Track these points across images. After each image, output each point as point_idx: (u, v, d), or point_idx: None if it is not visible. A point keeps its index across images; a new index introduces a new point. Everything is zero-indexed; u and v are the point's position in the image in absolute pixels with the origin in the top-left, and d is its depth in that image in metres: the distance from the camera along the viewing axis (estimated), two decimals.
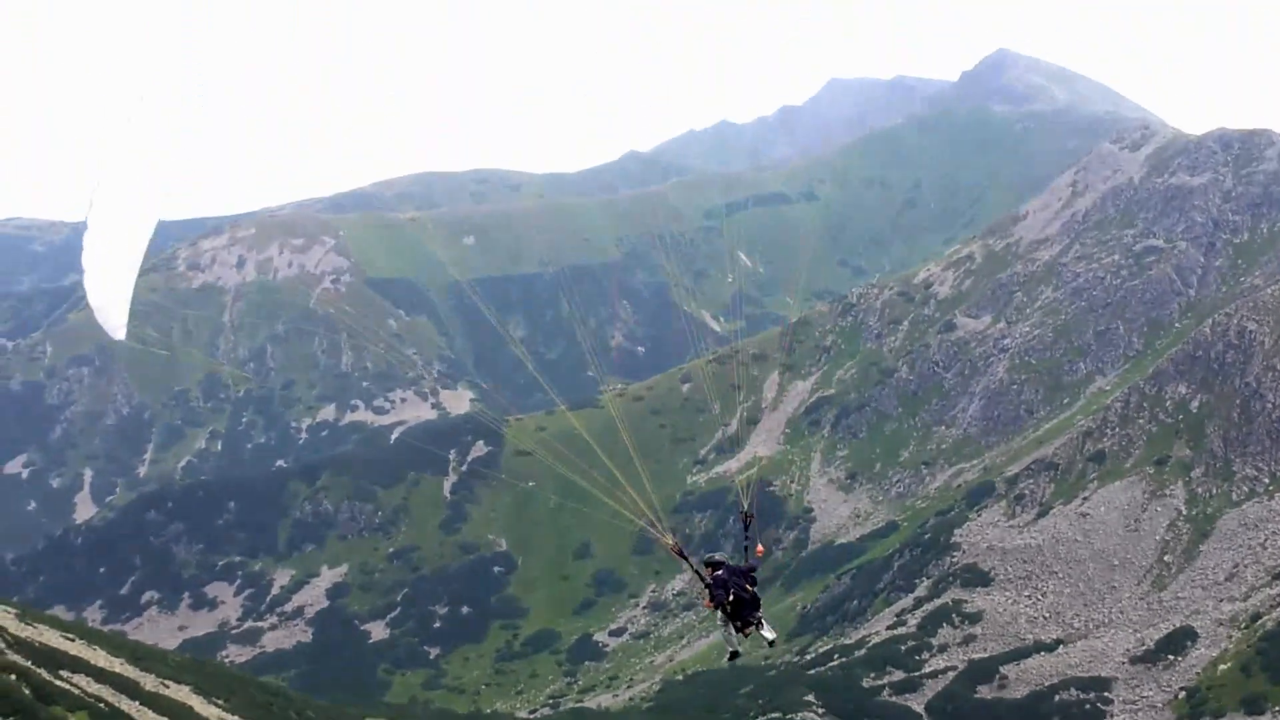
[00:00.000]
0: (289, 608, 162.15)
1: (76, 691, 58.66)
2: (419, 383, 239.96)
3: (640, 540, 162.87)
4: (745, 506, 29.80)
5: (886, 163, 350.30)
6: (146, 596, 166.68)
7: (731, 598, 26.88)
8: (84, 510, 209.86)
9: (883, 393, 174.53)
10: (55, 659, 63.93)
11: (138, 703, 62.60)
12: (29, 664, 59.31)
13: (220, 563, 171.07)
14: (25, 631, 69.28)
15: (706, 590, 27.12)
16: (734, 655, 28.43)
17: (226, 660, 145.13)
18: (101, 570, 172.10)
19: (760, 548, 28.75)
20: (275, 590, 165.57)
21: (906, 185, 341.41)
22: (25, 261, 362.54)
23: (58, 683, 58.43)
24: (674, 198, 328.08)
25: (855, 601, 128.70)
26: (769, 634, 27.14)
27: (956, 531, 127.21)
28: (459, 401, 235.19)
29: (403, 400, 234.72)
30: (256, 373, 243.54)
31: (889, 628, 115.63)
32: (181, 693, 72.75)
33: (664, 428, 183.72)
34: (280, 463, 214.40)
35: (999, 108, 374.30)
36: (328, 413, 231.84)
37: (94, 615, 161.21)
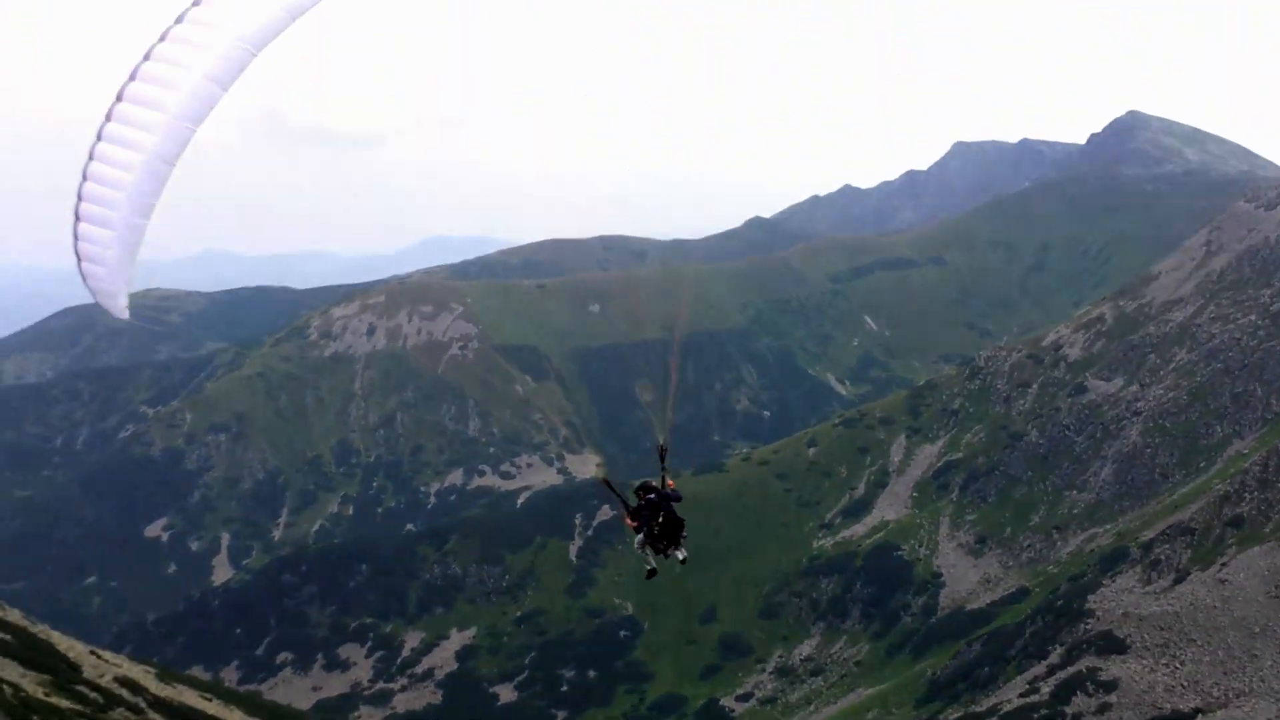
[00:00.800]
0: (419, 670, 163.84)
1: None
2: (545, 447, 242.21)
3: (767, 604, 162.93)
4: (661, 440, 30.46)
5: (1013, 226, 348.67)
6: (281, 657, 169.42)
7: (661, 519, 28.50)
8: (221, 573, 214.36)
9: (1012, 456, 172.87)
10: (193, 718, 65.69)
11: None
12: None
13: (352, 625, 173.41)
14: (165, 691, 71.33)
15: (636, 510, 28.71)
16: (652, 573, 30.12)
17: None
18: (238, 631, 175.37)
19: (672, 482, 29.54)
20: (406, 652, 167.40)
21: (1034, 248, 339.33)
22: (164, 331, 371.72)
23: None
24: (798, 263, 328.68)
25: (986, 669, 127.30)
26: (681, 554, 28.99)
27: (1090, 597, 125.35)
28: (584, 466, 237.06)
29: (529, 465, 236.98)
30: (386, 439, 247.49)
31: (1021, 695, 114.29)
32: None
33: (790, 491, 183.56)
34: (409, 526, 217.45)
35: (1129, 170, 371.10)
36: (455, 477, 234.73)
37: (231, 675, 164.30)
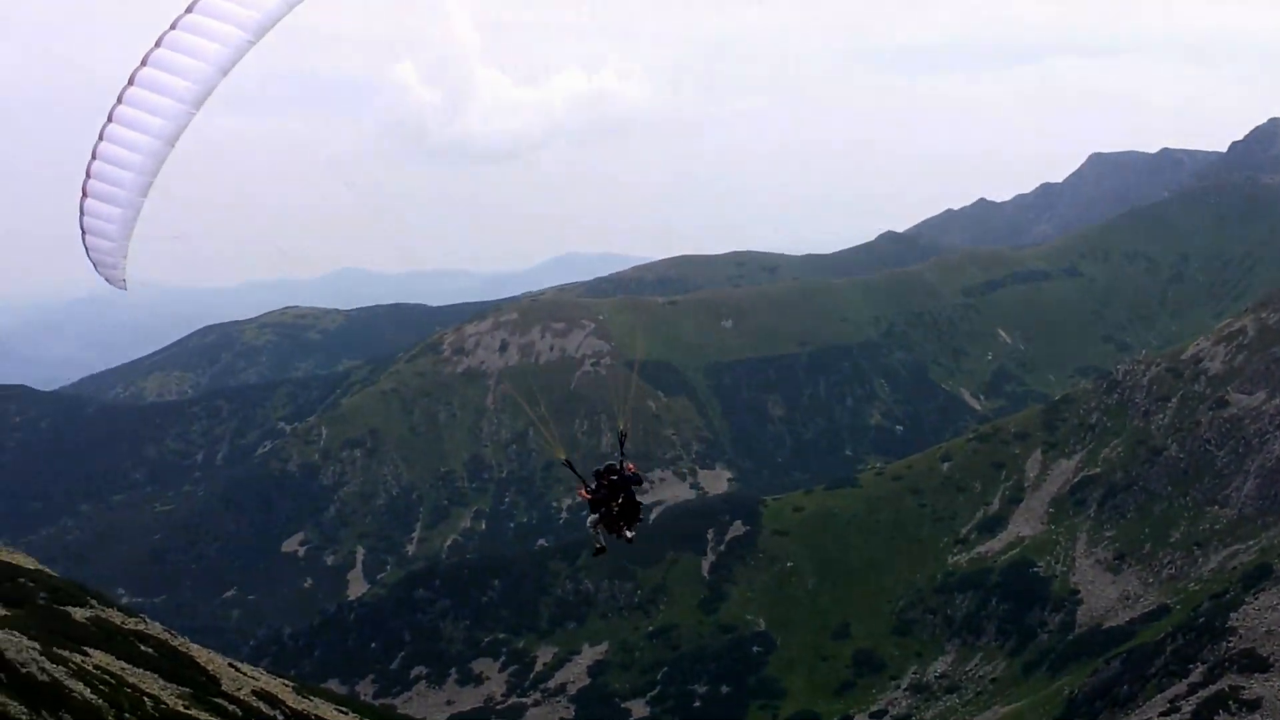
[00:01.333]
0: (551, 685, 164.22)
1: None
2: (677, 463, 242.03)
3: (901, 620, 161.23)
4: (622, 426, 31.23)
5: (1151, 237, 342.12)
6: (415, 672, 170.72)
7: (620, 501, 28.42)
8: (356, 587, 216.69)
9: (1151, 471, 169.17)
10: None
11: None
12: None
13: (485, 639, 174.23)
14: (302, 704, 71.87)
15: (597, 490, 28.75)
16: (599, 550, 29.67)
17: None
18: (373, 645, 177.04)
19: (631, 465, 29.64)
20: (538, 667, 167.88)
21: (1173, 259, 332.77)
22: (302, 349, 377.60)
23: None
24: (931, 276, 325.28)
25: (1125, 687, 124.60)
26: (630, 534, 28.94)
27: (1232, 615, 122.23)
28: (717, 481, 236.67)
29: (661, 480, 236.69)
30: (518, 454, 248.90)
31: (1162, 714, 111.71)
32: None
33: (923, 507, 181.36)
34: (541, 542, 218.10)
35: (1271, 178, 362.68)
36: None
37: (366, 689, 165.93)
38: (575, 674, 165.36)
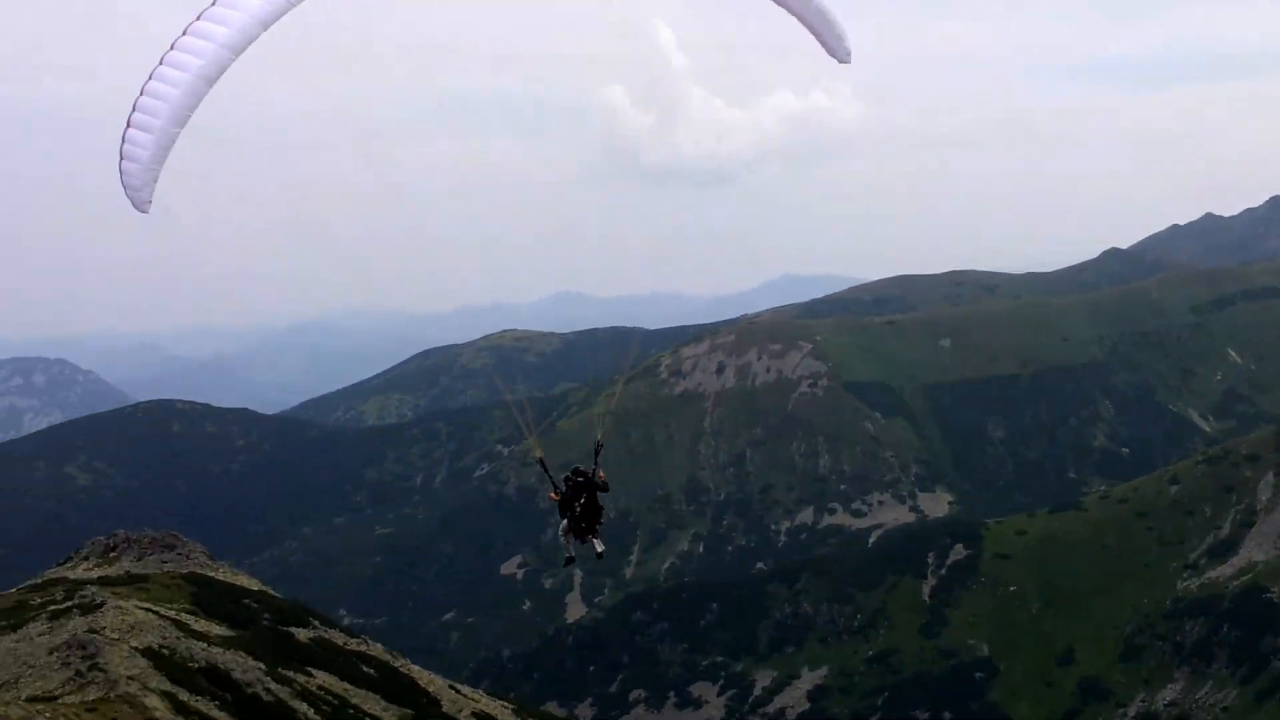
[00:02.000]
0: (771, 709, 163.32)
1: None
2: (896, 485, 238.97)
3: (1128, 647, 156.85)
4: (599, 436, 31.31)
5: None
6: (634, 695, 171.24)
7: (584, 500, 28.97)
8: (574, 610, 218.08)
9: None
10: None
11: None
12: None
13: (704, 663, 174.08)
14: None
15: (563, 486, 29.26)
16: (569, 560, 30.75)
17: None
18: (591, 668, 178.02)
19: (602, 474, 29.73)
20: (757, 691, 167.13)
21: None
22: (520, 371, 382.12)
23: None
24: (1157, 294, 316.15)
25: None
26: (600, 547, 29.32)
27: None
28: (937, 504, 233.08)
29: (880, 503, 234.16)
30: (736, 477, 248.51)
31: None
32: None
33: (1150, 531, 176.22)
34: (760, 565, 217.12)
35: None
36: (806, 515, 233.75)
37: (585, 712, 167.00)
38: (794, 698, 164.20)
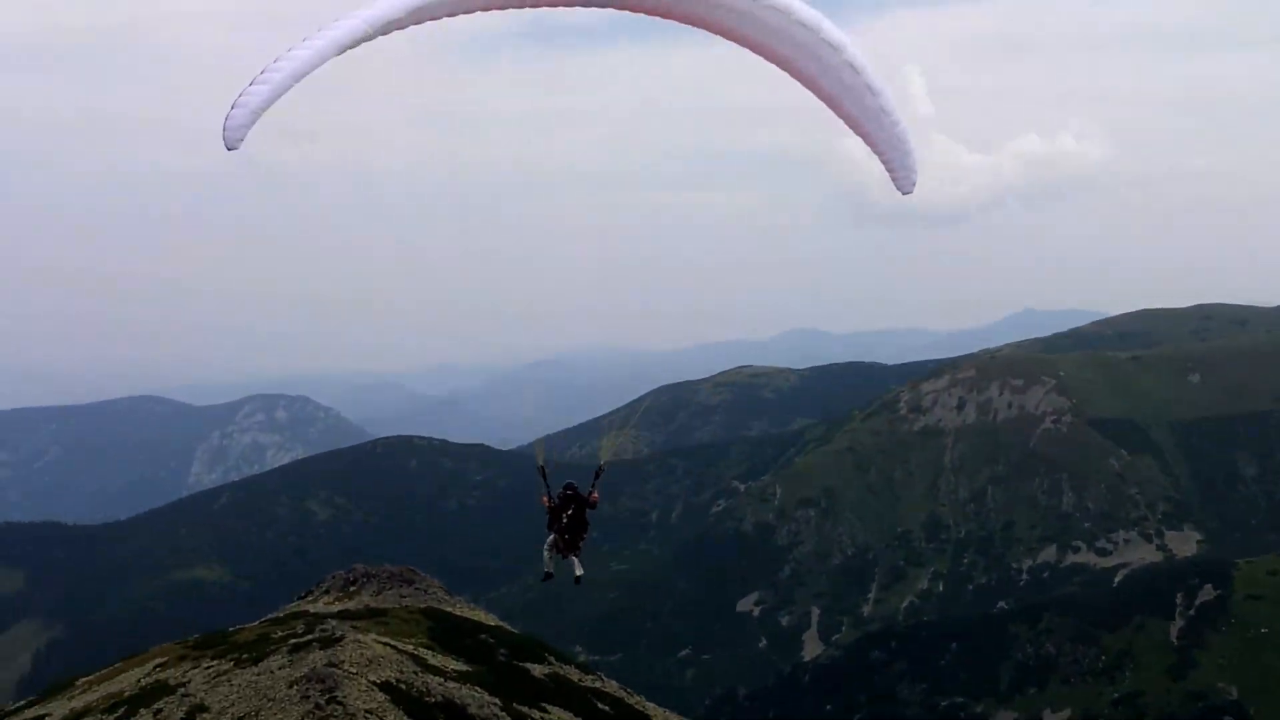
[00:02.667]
0: None
1: None
2: (1143, 523, 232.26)
3: None
4: (602, 461, 30.56)
5: None
6: None
7: (571, 511, 28.94)
8: (811, 648, 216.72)
9: None
10: None
11: None
12: None
13: (943, 703, 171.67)
14: None
15: (556, 498, 29.26)
16: (547, 576, 30.11)
17: None
18: (828, 707, 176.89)
19: (596, 495, 29.50)
20: None
21: None
22: (755, 408, 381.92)
23: None
24: None
25: None
26: (579, 570, 29.13)
27: None
28: (1185, 543, 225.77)
29: (1126, 541, 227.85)
30: (977, 514, 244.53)
31: None
32: None
33: None
34: (1001, 604, 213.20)
35: None
36: (1049, 554, 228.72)
37: None
38: None
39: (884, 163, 24.46)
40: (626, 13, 23.66)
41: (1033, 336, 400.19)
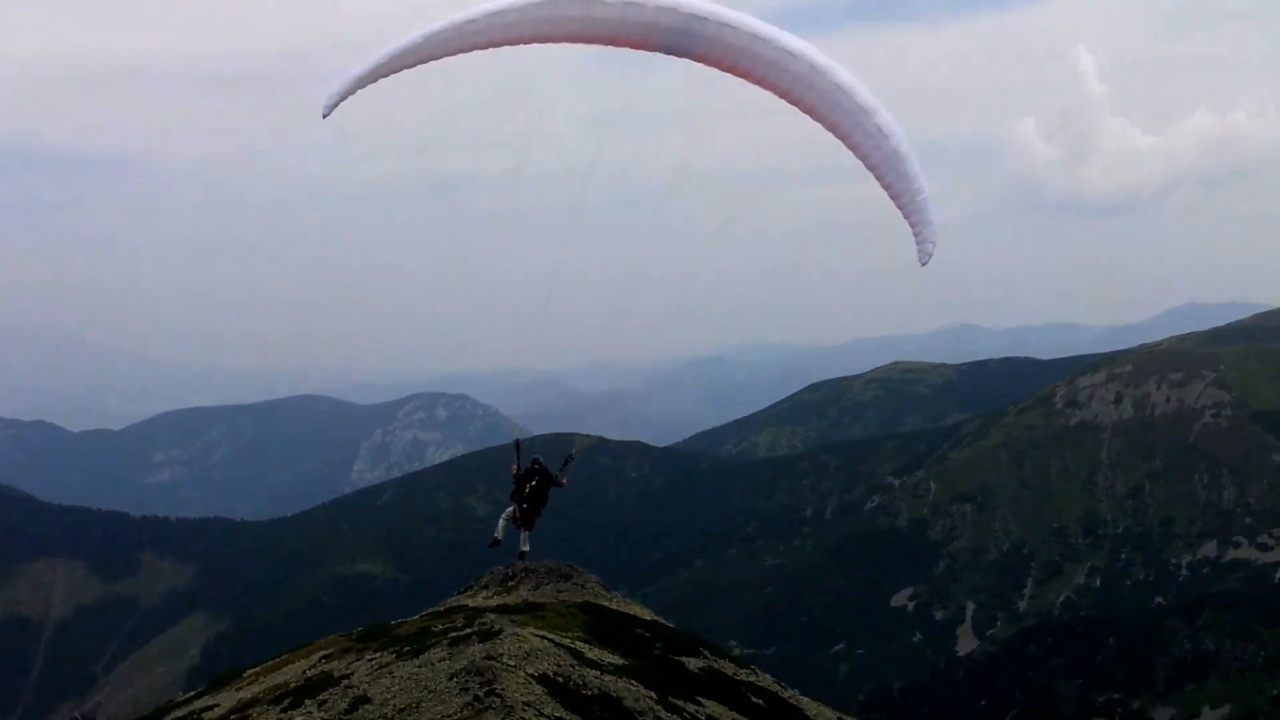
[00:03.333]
0: None
1: None
2: None
3: None
4: (573, 451, 33.69)
5: None
6: None
7: (535, 482, 32.00)
8: (965, 643, 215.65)
9: None
10: None
11: None
12: None
13: (1099, 699, 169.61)
14: None
15: (524, 468, 31.96)
16: (494, 543, 33.69)
17: None
18: (983, 703, 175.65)
19: (565, 479, 32.54)
20: None
21: None
22: (909, 404, 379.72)
23: None
24: None
25: None
26: (525, 546, 31.95)
27: None
28: None
29: None
30: (1135, 510, 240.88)
31: None
32: None
33: None
34: (1159, 600, 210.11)
35: None
36: (1208, 549, 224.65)
37: None
38: None
39: (909, 224, 25.05)
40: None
41: (1192, 330, 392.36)
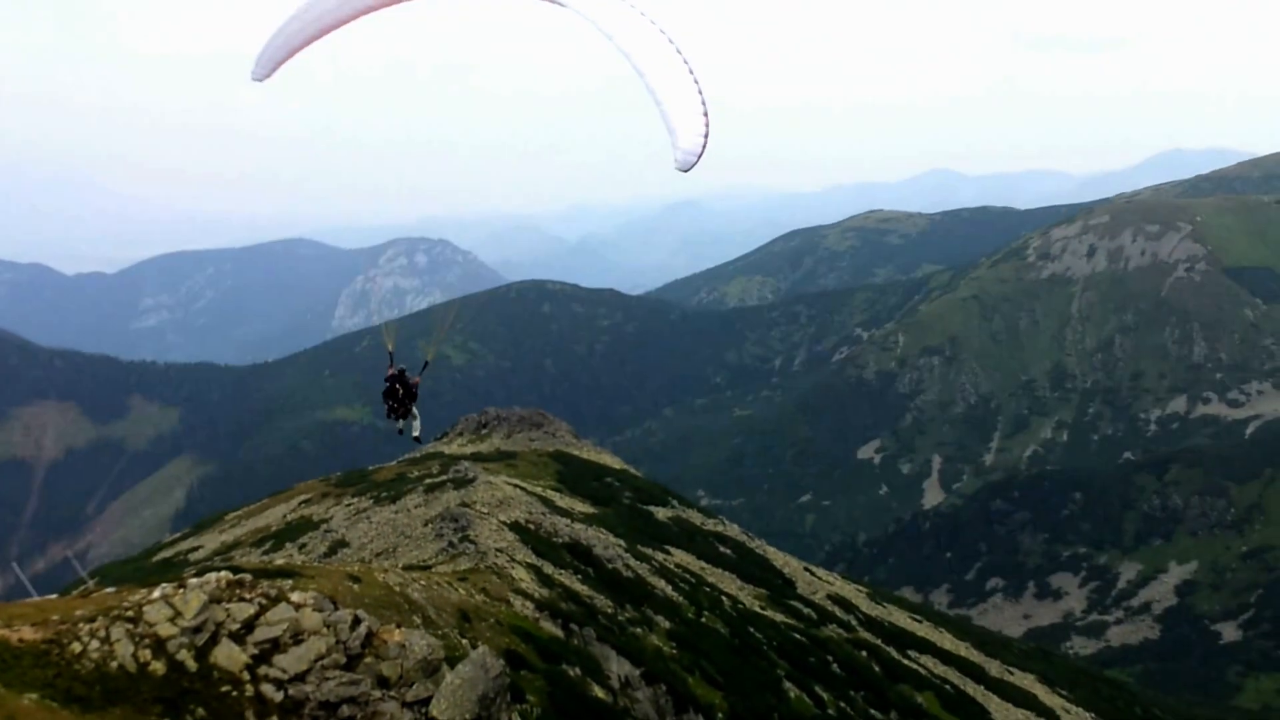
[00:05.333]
0: (1135, 603, 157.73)
1: (923, 671, 60.47)
2: (1277, 375, 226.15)
3: None
4: (429, 355, 34.78)
5: None
6: (991, 584, 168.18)
7: (394, 388, 32.81)
8: (932, 496, 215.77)
9: None
10: (903, 639, 66.37)
11: (983, 687, 63.71)
12: (879, 642, 62.02)
13: (1065, 554, 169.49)
14: (875, 611, 72.56)
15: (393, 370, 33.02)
16: (401, 431, 33.35)
17: (1070, 652, 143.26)
18: (948, 556, 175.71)
19: (417, 380, 33.32)
20: (1121, 584, 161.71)
21: None
22: (882, 254, 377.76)
23: (905, 662, 60.49)
24: None
25: None
26: (416, 431, 32.97)
27: None
28: None
29: (1259, 393, 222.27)
30: (1104, 364, 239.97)
31: None
32: (1026, 680, 73.54)
33: None
34: (1127, 454, 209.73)
35: None
36: (1178, 405, 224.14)
37: (940, 599, 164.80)
38: (1161, 593, 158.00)
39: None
40: None
41: (1175, 179, 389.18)
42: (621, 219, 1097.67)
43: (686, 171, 20.98)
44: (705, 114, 20.68)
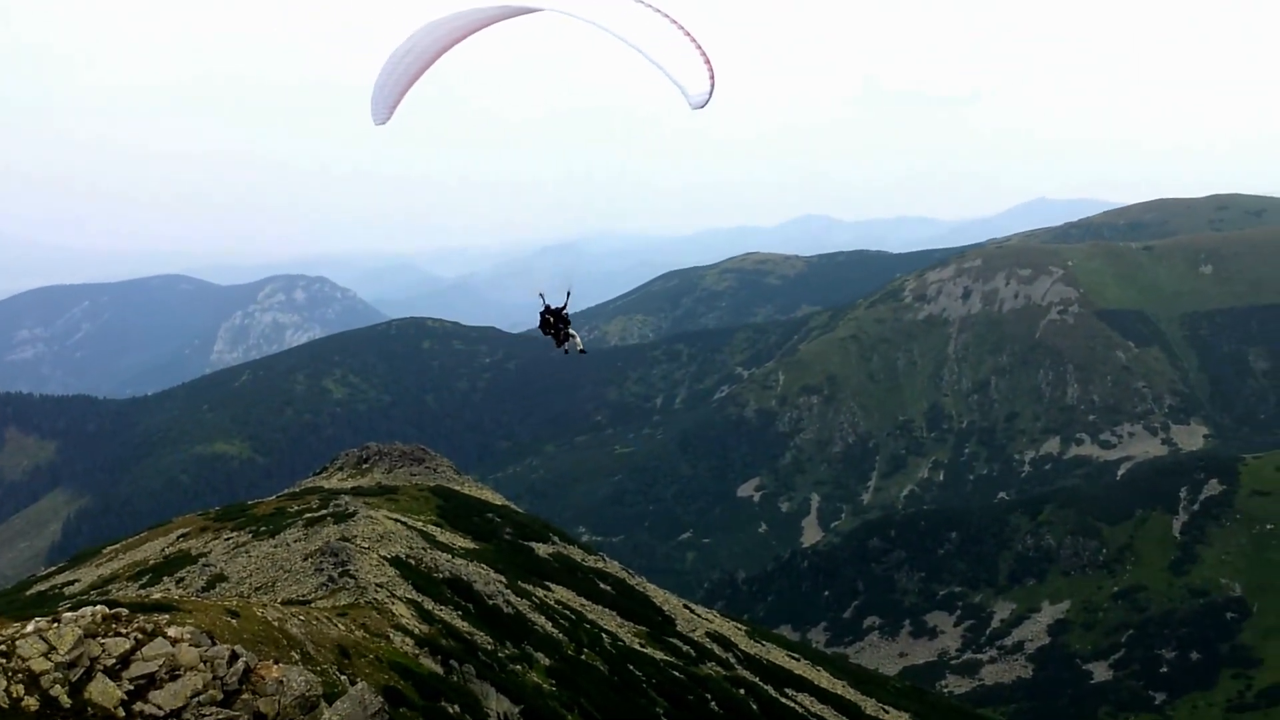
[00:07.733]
0: (1008, 642, 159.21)
1: (800, 709, 60.32)
2: (1148, 417, 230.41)
3: None
4: (565, 302, 36.24)
5: None
6: (868, 621, 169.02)
7: (548, 320, 35.43)
8: (810, 534, 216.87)
9: None
10: (781, 677, 66.17)
11: None
12: (757, 679, 61.75)
13: (941, 592, 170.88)
14: (754, 648, 72.40)
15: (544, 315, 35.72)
16: (566, 351, 36.34)
17: (945, 690, 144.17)
18: (826, 594, 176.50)
19: (566, 305, 35.58)
20: (995, 623, 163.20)
21: None
22: (761, 294, 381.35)
23: (783, 700, 60.23)
24: None
25: None
26: (581, 345, 36.03)
27: None
28: (1191, 437, 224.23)
29: (1130, 435, 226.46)
30: (980, 405, 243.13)
31: None
32: (901, 719, 73.25)
33: None
34: (1001, 495, 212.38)
35: None
36: (1051, 445, 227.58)
37: (818, 637, 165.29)
38: (1034, 632, 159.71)
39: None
40: None
41: (1043, 226, 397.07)
42: (496, 260, 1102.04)
43: (702, 108, 21.72)
44: (700, 50, 21.29)
